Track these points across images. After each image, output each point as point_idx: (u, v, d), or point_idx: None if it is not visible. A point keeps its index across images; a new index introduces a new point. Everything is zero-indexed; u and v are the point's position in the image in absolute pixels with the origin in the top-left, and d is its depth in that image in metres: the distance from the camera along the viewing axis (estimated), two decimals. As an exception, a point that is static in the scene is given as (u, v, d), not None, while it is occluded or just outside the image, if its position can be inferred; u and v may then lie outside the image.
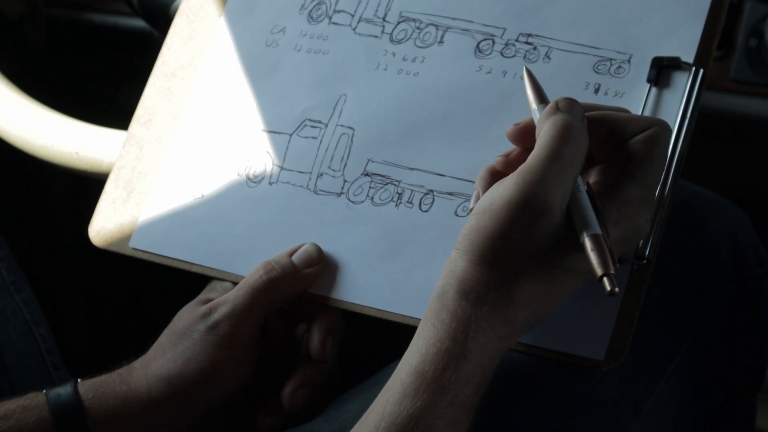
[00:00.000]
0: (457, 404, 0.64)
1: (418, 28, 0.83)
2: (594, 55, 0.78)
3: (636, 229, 0.68)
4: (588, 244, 0.65)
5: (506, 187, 0.65)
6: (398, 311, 0.75)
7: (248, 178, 0.83)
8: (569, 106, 0.68)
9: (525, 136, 0.71)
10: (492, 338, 0.65)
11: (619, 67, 0.78)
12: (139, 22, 1.18)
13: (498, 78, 0.80)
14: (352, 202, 0.80)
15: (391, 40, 0.83)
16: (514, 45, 0.80)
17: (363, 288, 0.77)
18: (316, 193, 0.81)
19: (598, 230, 0.65)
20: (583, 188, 0.67)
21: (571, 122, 0.67)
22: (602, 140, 0.70)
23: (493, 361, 0.66)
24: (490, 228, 0.65)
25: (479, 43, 0.81)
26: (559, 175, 0.65)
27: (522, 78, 0.74)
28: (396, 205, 0.78)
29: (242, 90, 0.85)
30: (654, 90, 0.76)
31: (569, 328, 0.72)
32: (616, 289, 0.63)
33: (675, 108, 0.75)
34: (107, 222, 0.85)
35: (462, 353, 0.64)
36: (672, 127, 0.74)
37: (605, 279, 0.63)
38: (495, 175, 0.70)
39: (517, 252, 0.65)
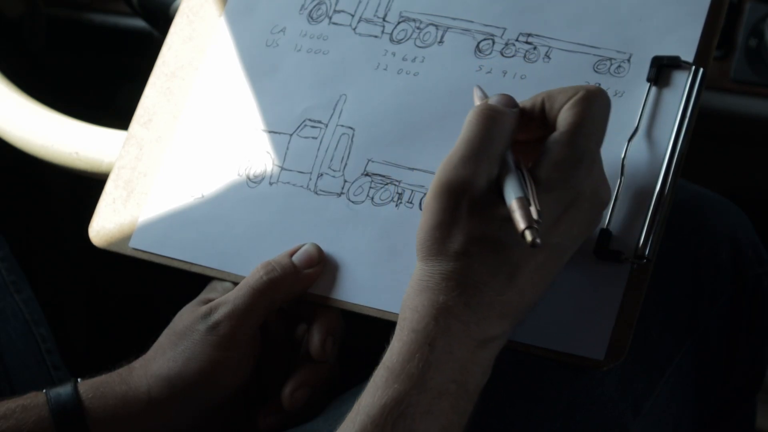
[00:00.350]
0: (430, 391, 0.65)
1: (418, 28, 0.83)
2: (594, 55, 0.78)
3: (576, 191, 0.68)
4: (512, 206, 0.66)
5: (432, 179, 0.68)
6: (398, 311, 0.75)
7: (248, 178, 0.83)
8: (498, 97, 0.71)
9: None
10: (457, 324, 0.66)
11: (619, 66, 0.78)
12: (139, 22, 1.18)
13: (498, 78, 0.80)
14: (353, 202, 0.80)
15: (391, 40, 0.83)
16: (514, 45, 0.80)
17: (363, 288, 0.77)
18: (316, 193, 0.81)
19: (521, 194, 0.66)
20: (512, 163, 0.68)
21: (490, 105, 0.69)
22: (543, 121, 0.71)
23: (468, 348, 0.66)
24: (428, 221, 0.68)
25: (479, 42, 0.81)
26: (475, 155, 0.67)
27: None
28: (396, 205, 0.78)
29: (242, 90, 0.85)
30: (654, 89, 0.76)
31: (569, 328, 0.72)
32: (538, 240, 0.64)
33: (675, 107, 0.75)
34: (107, 222, 0.85)
35: (426, 341, 0.66)
36: (672, 127, 0.74)
37: (527, 232, 0.64)
38: None
39: (456, 236, 0.67)
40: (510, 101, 0.71)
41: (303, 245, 0.78)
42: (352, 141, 0.81)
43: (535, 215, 0.65)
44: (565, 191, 0.67)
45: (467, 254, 0.67)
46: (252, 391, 0.78)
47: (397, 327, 0.68)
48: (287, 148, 0.82)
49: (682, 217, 0.80)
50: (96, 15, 1.25)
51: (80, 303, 1.40)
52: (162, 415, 0.75)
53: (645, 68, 0.76)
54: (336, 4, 0.85)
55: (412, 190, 0.78)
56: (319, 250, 0.78)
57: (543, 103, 0.71)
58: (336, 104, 0.82)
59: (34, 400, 0.75)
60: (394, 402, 0.64)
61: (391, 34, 0.83)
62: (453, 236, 0.67)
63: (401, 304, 0.69)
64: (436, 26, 0.83)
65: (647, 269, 0.72)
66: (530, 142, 0.71)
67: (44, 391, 0.76)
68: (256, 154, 0.83)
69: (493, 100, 0.71)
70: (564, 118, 0.69)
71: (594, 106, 0.69)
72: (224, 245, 0.81)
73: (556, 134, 0.69)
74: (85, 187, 0.96)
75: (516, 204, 0.65)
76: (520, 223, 0.64)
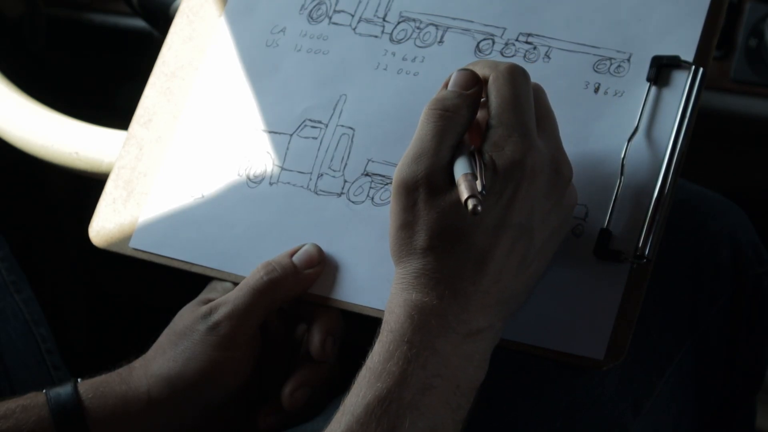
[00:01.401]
0: (412, 387, 0.65)
1: (418, 28, 0.83)
2: (594, 55, 0.78)
3: (521, 166, 0.68)
4: (458, 182, 0.67)
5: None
6: (398, 311, 0.75)
7: (248, 178, 0.83)
8: (455, 77, 0.72)
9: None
10: (434, 319, 0.67)
11: (619, 66, 0.77)
12: (139, 22, 1.18)
13: (498, 78, 0.79)
14: (353, 202, 0.80)
15: (391, 40, 0.83)
16: (514, 45, 0.80)
17: (363, 288, 0.77)
18: (316, 193, 0.81)
19: (466, 171, 0.67)
20: (466, 152, 0.69)
21: (440, 103, 0.70)
22: None
23: (451, 342, 0.67)
24: (393, 224, 0.69)
25: (479, 42, 0.81)
26: (425, 152, 0.69)
27: None
28: (396, 205, 0.78)
29: (242, 90, 0.85)
30: (654, 89, 0.76)
31: (569, 327, 0.72)
32: (479, 208, 0.65)
33: (675, 107, 0.75)
34: (107, 222, 0.85)
35: (403, 339, 0.67)
36: (672, 126, 0.74)
37: (468, 201, 0.65)
38: None
39: (419, 233, 0.68)
40: (468, 82, 0.72)
41: (303, 245, 0.78)
42: (352, 141, 0.81)
43: (479, 187, 0.66)
44: (511, 168, 0.68)
45: (433, 249, 0.68)
46: (252, 391, 0.78)
47: (379, 331, 0.69)
48: (287, 148, 0.82)
49: (682, 217, 0.80)
50: (96, 15, 1.25)
51: (80, 303, 1.40)
52: (162, 415, 0.75)
53: (645, 68, 0.76)
54: (336, 4, 0.85)
55: (412, 190, 0.78)
56: (319, 251, 0.78)
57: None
58: (336, 104, 0.82)
59: (34, 400, 0.75)
60: (377, 400, 0.65)
61: (391, 34, 0.83)
62: (417, 234, 0.68)
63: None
64: (436, 26, 0.82)
65: (647, 269, 0.72)
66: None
67: (44, 391, 0.75)
68: (256, 154, 0.83)
69: (451, 83, 0.72)
70: (490, 101, 0.70)
71: (510, 85, 0.70)
72: (224, 245, 0.81)
73: (489, 118, 0.70)
74: (85, 187, 0.96)
75: (461, 180, 0.66)
76: (463, 195, 0.65)
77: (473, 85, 0.71)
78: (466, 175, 0.66)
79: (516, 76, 0.70)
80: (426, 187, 0.68)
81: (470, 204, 0.65)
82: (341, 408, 0.66)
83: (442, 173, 0.69)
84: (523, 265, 0.69)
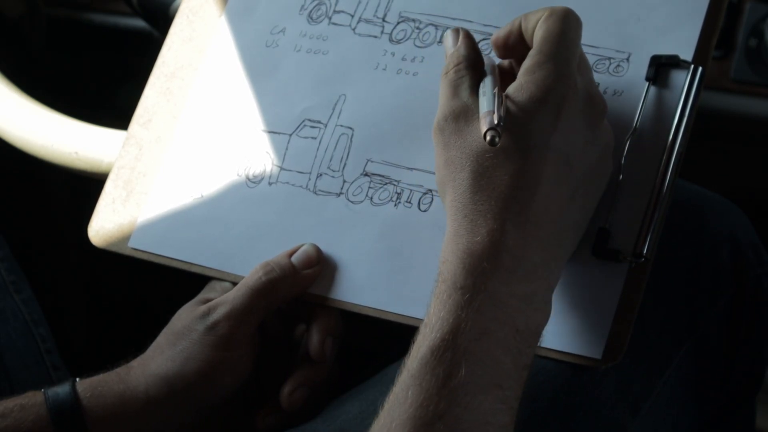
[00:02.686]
0: (468, 333, 0.64)
1: (417, 28, 0.83)
2: (593, 54, 0.78)
3: (560, 93, 0.68)
4: (480, 118, 0.68)
5: None
6: (397, 311, 0.75)
7: (248, 178, 0.83)
8: (454, 39, 0.76)
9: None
10: (485, 261, 0.66)
11: (618, 65, 0.77)
12: (139, 22, 1.18)
13: (497, 77, 0.79)
14: (352, 202, 0.80)
15: (391, 40, 0.83)
16: (513, 44, 0.80)
17: (362, 288, 0.77)
18: (315, 193, 0.81)
19: (489, 107, 0.68)
20: (488, 83, 0.71)
21: (452, 69, 0.73)
22: (523, 41, 0.74)
23: (506, 283, 0.66)
24: (436, 167, 0.71)
25: (478, 42, 0.81)
26: (444, 101, 0.72)
27: None
28: (395, 205, 0.78)
29: (242, 90, 0.85)
30: (653, 88, 0.76)
31: (567, 326, 0.72)
32: (497, 139, 0.66)
33: (674, 106, 0.75)
34: (107, 222, 0.85)
35: (456, 287, 0.65)
36: (671, 126, 0.74)
37: (487, 134, 0.66)
38: None
39: (459, 165, 0.68)
40: (454, 37, 0.75)
41: (302, 245, 0.78)
42: (351, 141, 0.81)
43: (495, 120, 0.66)
44: (546, 91, 0.68)
45: (475, 178, 0.68)
46: (251, 392, 0.78)
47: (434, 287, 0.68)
48: (286, 148, 0.82)
49: (682, 217, 0.79)
50: (96, 15, 1.25)
51: (80, 303, 1.40)
52: (160, 415, 0.75)
53: (644, 67, 0.76)
54: (336, 5, 0.86)
55: (411, 190, 0.78)
56: (318, 251, 0.78)
57: (520, 25, 0.73)
58: (335, 104, 0.82)
59: (32, 400, 0.75)
60: (431, 351, 0.64)
61: (391, 34, 0.83)
62: (457, 168, 0.69)
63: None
64: (436, 26, 0.83)
65: (645, 268, 0.72)
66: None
67: (42, 390, 0.76)
68: (256, 154, 0.83)
69: (455, 46, 0.75)
70: (535, 36, 0.71)
71: (560, 22, 0.70)
72: (223, 245, 0.81)
73: (528, 56, 0.70)
74: (85, 187, 0.97)
75: (481, 115, 0.68)
76: (483, 125, 0.67)
77: (458, 36, 0.75)
78: (489, 112, 0.67)
79: (570, 17, 0.71)
80: (453, 121, 0.70)
81: (488, 136, 0.66)
82: (401, 368, 0.65)
83: (465, 109, 0.70)
84: (569, 196, 0.69)
